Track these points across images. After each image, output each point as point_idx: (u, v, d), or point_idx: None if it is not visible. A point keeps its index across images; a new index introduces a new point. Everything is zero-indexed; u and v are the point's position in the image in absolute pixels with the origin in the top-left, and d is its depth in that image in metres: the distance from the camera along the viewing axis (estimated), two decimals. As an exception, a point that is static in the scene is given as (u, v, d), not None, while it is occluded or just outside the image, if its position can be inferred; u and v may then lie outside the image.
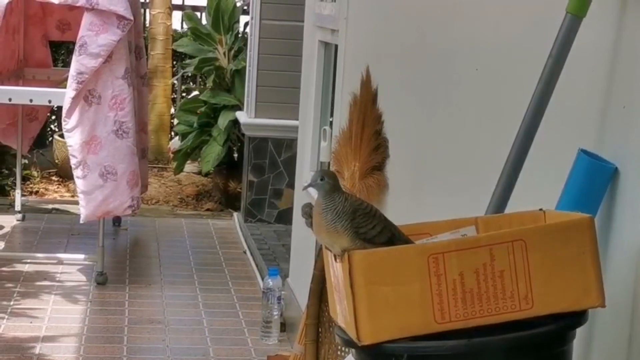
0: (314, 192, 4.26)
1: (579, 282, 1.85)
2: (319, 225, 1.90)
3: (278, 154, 7.41)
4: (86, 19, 5.70)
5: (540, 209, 2.05)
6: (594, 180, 2.08)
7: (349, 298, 1.82)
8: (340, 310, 1.91)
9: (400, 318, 1.80)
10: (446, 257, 1.80)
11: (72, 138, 5.71)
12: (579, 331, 1.92)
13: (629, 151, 2.03)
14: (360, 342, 1.82)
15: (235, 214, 7.82)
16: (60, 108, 5.85)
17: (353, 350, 1.91)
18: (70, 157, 5.76)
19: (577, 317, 1.86)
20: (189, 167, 8.92)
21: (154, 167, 9.18)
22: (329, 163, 4.29)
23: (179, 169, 8.45)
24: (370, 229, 1.87)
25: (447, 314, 1.80)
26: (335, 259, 1.88)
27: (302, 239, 5.13)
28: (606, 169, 2.07)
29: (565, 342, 1.87)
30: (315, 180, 1.93)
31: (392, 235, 1.90)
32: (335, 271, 1.91)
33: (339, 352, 3.49)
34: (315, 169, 5.07)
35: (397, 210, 3.60)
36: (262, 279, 5.60)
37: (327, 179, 1.91)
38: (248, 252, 6.80)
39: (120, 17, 5.69)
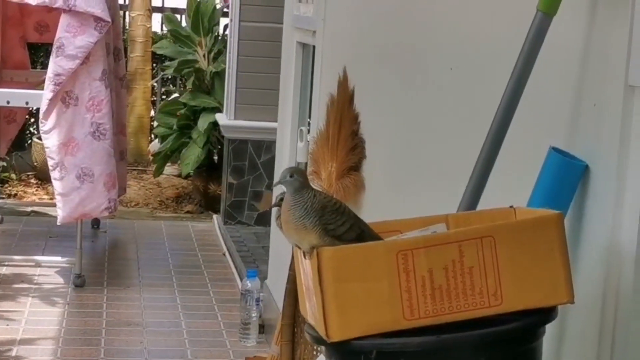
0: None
1: (548, 278, 1.85)
2: (288, 222, 1.89)
3: (258, 156, 7.39)
4: (63, 20, 5.68)
5: (511, 206, 2.05)
6: (565, 178, 2.08)
7: (317, 295, 1.81)
8: (309, 307, 1.90)
9: (369, 315, 1.79)
10: (415, 253, 1.80)
11: (50, 139, 5.69)
12: (550, 327, 1.92)
13: (600, 149, 2.03)
14: (329, 339, 1.82)
15: (215, 216, 7.80)
16: (39, 111, 5.82)
17: (323, 347, 1.90)
18: (48, 158, 5.74)
19: (546, 314, 1.86)
20: (169, 169, 8.90)
21: (134, 170, 9.15)
22: (306, 163, 4.28)
23: (158, 172, 8.42)
24: (339, 225, 1.86)
25: (416, 310, 1.80)
26: (305, 256, 1.87)
27: (281, 241, 5.11)
28: (577, 166, 2.08)
29: (535, 338, 1.87)
30: (284, 177, 1.92)
31: (361, 232, 1.89)
32: (305, 268, 1.90)
33: (314, 352, 3.48)
34: (294, 170, 5.05)
35: (374, 210, 3.60)
36: (242, 280, 5.59)
37: (296, 176, 1.91)
38: (227, 255, 6.78)
39: (98, 19, 5.67)
